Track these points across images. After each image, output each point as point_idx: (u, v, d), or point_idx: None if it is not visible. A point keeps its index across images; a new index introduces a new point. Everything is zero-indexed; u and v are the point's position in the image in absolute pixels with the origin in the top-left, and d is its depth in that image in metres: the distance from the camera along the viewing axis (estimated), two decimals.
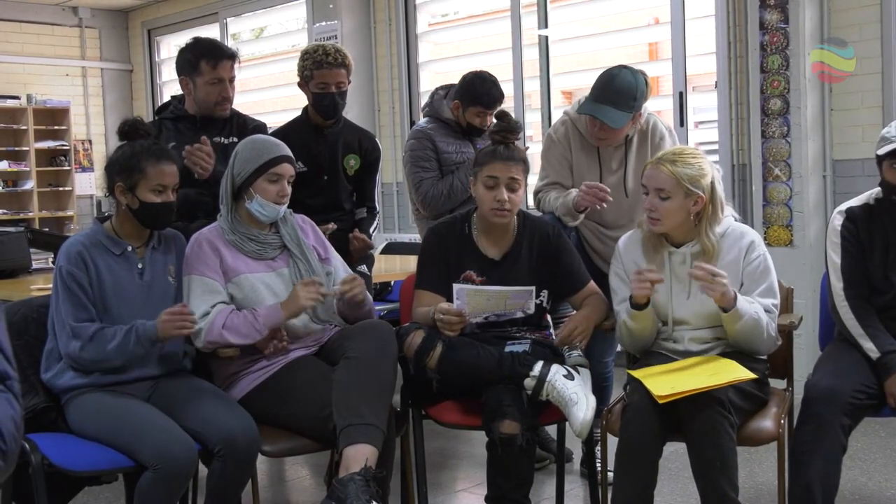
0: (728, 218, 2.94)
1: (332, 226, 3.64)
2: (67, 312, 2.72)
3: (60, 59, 9.46)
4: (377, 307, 3.94)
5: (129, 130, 2.88)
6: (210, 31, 8.41)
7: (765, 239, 4.86)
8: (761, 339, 2.82)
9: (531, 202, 6.01)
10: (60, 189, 9.40)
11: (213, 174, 3.38)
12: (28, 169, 9.15)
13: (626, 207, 3.56)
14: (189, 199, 3.38)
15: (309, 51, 3.72)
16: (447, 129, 4.09)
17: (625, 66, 3.51)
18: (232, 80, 3.59)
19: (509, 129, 3.07)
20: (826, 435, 2.68)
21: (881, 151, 2.86)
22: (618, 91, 3.40)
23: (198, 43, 3.62)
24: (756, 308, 2.79)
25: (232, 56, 3.59)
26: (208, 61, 3.51)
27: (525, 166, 3.09)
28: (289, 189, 3.01)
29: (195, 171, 3.37)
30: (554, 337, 3.15)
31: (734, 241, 2.90)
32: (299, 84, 3.77)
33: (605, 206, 3.38)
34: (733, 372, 2.69)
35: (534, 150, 6.24)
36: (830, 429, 2.68)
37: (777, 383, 3.05)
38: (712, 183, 2.86)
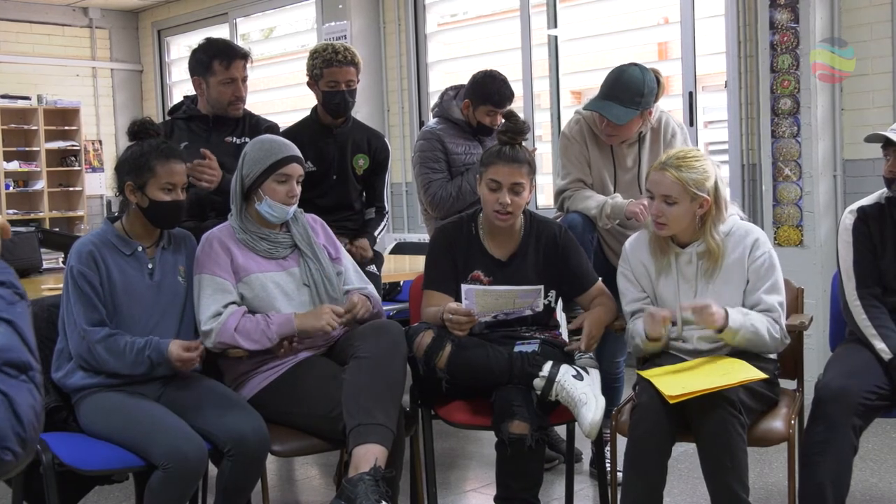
0: (733, 217, 2.94)
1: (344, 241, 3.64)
2: (79, 314, 2.73)
3: (71, 60, 9.48)
4: (386, 307, 3.95)
5: (139, 130, 2.89)
6: (219, 32, 8.42)
7: (775, 239, 4.85)
8: (765, 344, 2.83)
9: (541, 203, 6.05)
10: (71, 189, 9.42)
11: (223, 182, 3.39)
12: (38, 169, 9.17)
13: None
14: (200, 198, 3.39)
15: (318, 49, 3.72)
16: (457, 129, 4.08)
17: (635, 64, 3.50)
18: (245, 79, 3.60)
19: (517, 129, 3.06)
20: (837, 436, 2.67)
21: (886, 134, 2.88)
22: (624, 87, 3.40)
23: (210, 43, 3.63)
24: (752, 319, 2.79)
25: (245, 56, 3.59)
26: (221, 61, 3.52)
27: (531, 168, 3.07)
28: (298, 189, 3.01)
29: (200, 186, 3.36)
30: (564, 338, 3.15)
31: (739, 239, 2.90)
32: (308, 83, 3.77)
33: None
34: (744, 372, 2.69)
35: (543, 150, 6.25)
36: (841, 429, 2.67)
37: (787, 384, 3.05)
38: (716, 183, 2.86)
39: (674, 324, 2.93)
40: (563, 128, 3.75)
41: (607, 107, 3.41)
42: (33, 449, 1.18)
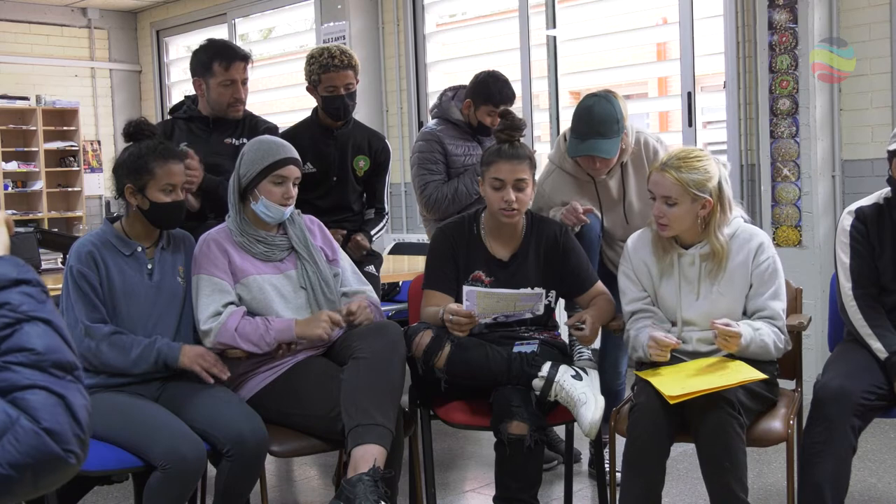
0: (737, 219, 2.93)
1: (341, 234, 3.64)
2: (80, 312, 2.73)
3: (69, 60, 9.48)
4: (385, 308, 3.94)
5: (135, 131, 2.89)
6: (218, 32, 8.41)
7: (774, 239, 4.85)
8: (770, 355, 2.84)
9: None
10: (69, 189, 9.41)
11: (204, 181, 3.39)
12: (37, 169, 9.17)
13: (630, 230, 3.53)
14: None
15: (315, 55, 3.71)
16: (457, 130, 4.07)
17: (594, 94, 3.41)
18: (245, 81, 3.59)
19: (514, 126, 3.07)
20: (836, 436, 2.67)
21: (892, 147, 2.85)
22: (600, 121, 3.33)
23: (211, 44, 3.62)
24: (761, 334, 2.78)
25: (245, 57, 3.58)
26: (221, 63, 3.51)
27: (532, 163, 3.07)
28: (294, 191, 3.01)
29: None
30: (564, 338, 3.15)
31: (743, 242, 2.89)
32: (308, 88, 3.77)
33: (586, 222, 3.38)
34: (743, 372, 2.69)
35: (541, 151, 6.25)
36: (840, 429, 2.67)
37: (786, 384, 3.05)
38: (719, 184, 2.84)
39: (673, 324, 2.93)
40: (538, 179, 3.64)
41: (594, 146, 3.33)
42: (88, 450, 1.17)
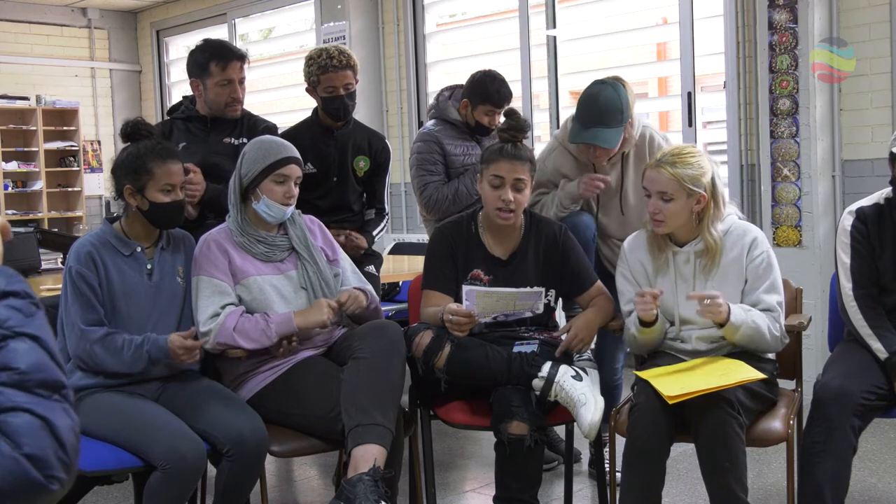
0: (731, 216, 2.94)
1: (345, 234, 3.64)
2: (76, 314, 2.73)
3: (69, 60, 9.48)
4: (385, 308, 3.94)
5: (132, 132, 2.88)
6: (218, 32, 8.43)
7: (774, 239, 4.85)
8: (766, 342, 2.83)
9: None
10: (69, 189, 9.41)
11: (206, 192, 3.39)
12: (37, 169, 9.17)
13: (625, 223, 3.54)
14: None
15: (313, 56, 3.71)
16: (455, 130, 4.07)
17: (601, 81, 3.42)
18: (242, 80, 3.58)
19: (518, 127, 3.07)
20: (836, 436, 2.67)
21: (895, 149, 2.86)
22: (605, 110, 3.33)
23: (207, 44, 3.62)
24: (753, 316, 2.79)
25: (241, 57, 3.58)
26: (217, 63, 3.51)
27: (532, 165, 3.08)
28: (295, 190, 3.01)
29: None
30: (563, 338, 3.15)
31: (737, 238, 2.90)
32: (307, 89, 3.77)
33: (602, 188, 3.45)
34: (742, 372, 2.69)
35: (540, 151, 6.24)
36: (840, 430, 2.67)
37: (786, 384, 3.05)
38: (713, 179, 2.86)
39: (672, 324, 2.93)
40: (540, 154, 3.69)
41: (596, 135, 3.34)
42: (75, 472, 1.11)
